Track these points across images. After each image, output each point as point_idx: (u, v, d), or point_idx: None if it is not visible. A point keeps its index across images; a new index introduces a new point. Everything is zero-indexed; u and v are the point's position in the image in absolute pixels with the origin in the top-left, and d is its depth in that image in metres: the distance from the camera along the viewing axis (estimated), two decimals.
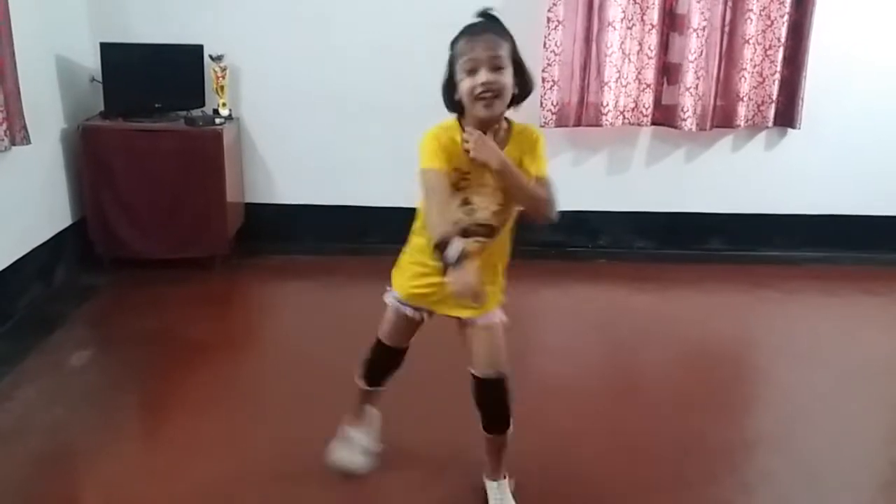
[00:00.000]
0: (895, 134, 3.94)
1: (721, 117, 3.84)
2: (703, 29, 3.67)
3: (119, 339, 3.03)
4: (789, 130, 3.90)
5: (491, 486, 2.01)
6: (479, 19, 1.74)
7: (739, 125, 3.83)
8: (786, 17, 3.67)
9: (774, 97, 3.79)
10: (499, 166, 1.69)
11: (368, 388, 2.15)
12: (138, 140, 3.51)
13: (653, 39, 3.71)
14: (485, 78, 1.66)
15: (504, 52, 1.68)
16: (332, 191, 4.00)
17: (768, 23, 3.71)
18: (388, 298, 2.00)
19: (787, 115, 3.83)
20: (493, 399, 1.88)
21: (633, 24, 3.71)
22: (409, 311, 1.95)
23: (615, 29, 3.65)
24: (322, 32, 3.78)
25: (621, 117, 3.81)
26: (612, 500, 1.93)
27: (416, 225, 1.90)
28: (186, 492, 2.10)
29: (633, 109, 3.83)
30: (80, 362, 2.84)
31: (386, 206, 3.94)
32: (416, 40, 3.77)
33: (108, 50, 3.55)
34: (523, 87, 1.74)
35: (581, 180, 3.97)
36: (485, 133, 1.72)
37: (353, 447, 2.17)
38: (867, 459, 2.37)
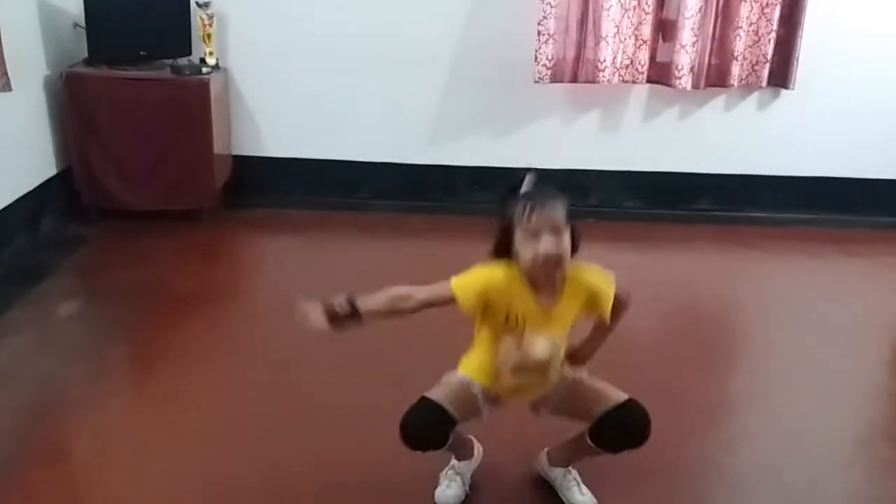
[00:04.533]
0: (887, 97, 3.93)
1: (715, 76, 3.80)
2: None
3: (106, 290, 3.02)
4: (782, 91, 3.87)
5: (563, 472, 1.96)
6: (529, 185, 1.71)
7: (733, 84, 3.79)
8: None
9: (769, 57, 3.75)
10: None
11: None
12: (123, 88, 3.45)
13: None
14: (547, 247, 1.65)
15: (562, 216, 1.68)
16: (323, 144, 3.95)
17: None
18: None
19: (780, 75, 3.80)
20: (637, 416, 1.86)
21: None
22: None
23: None
24: None
25: (617, 74, 3.76)
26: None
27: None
28: (174, 441, 2.12)
29: (628, 66, 3.78)
30: (67, 313, 2.83)
31: (378, 160, 3.91)
32: None
33: None
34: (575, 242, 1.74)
35: (573, 138, 3.94)
36: (540, 289, 1.73)
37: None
38: (847, 418, 2.41)
